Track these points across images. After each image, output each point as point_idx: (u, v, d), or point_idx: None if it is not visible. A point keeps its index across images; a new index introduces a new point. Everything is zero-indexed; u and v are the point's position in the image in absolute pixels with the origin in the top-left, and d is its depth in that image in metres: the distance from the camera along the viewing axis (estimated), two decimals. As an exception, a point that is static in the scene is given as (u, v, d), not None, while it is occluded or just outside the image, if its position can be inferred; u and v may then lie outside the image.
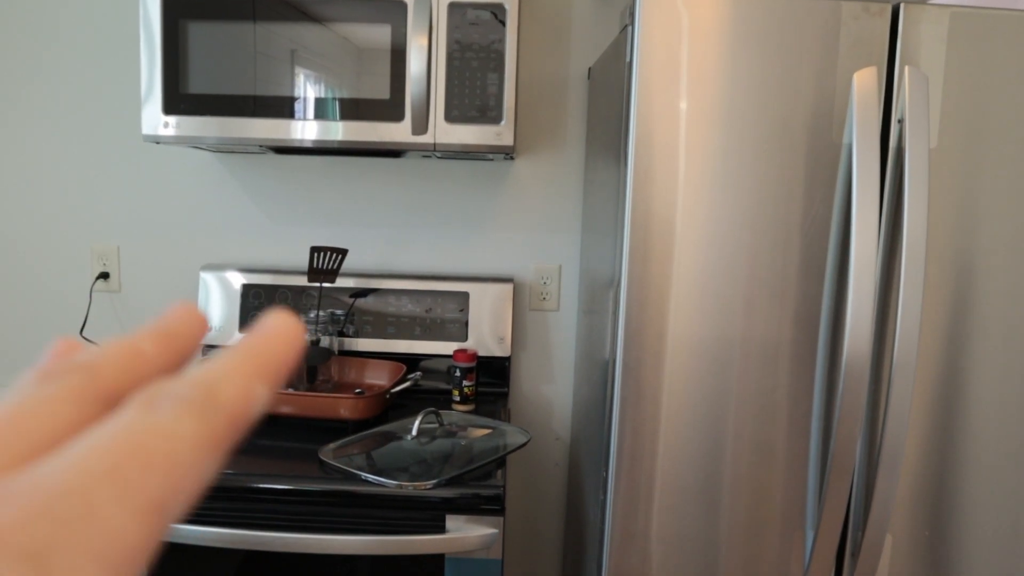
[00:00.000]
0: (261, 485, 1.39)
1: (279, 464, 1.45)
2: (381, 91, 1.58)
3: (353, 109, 1.59)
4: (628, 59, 1.26)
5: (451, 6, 1.56)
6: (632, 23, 1.24)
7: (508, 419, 1.79)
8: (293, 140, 1.60)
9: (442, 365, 1.92)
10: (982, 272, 1.28)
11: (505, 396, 1.94)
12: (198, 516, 1.39)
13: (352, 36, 1.57)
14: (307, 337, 1.72)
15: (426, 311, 1.91)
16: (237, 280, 1.93)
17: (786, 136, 1.25)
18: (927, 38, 1.23)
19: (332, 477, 1.40)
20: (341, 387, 1.83)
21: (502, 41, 1.57)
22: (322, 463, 1.45)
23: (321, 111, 1.59)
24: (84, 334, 2.05)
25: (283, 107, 1.59)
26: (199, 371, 0.22)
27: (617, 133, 1.37)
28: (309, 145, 1.61)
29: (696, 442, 1.31)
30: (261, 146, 1.66)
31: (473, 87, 1.57)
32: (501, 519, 1.39)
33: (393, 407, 1.80)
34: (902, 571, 1.36)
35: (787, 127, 1.25)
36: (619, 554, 1.34)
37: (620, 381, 1.30)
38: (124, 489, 0.18)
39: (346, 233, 2.01)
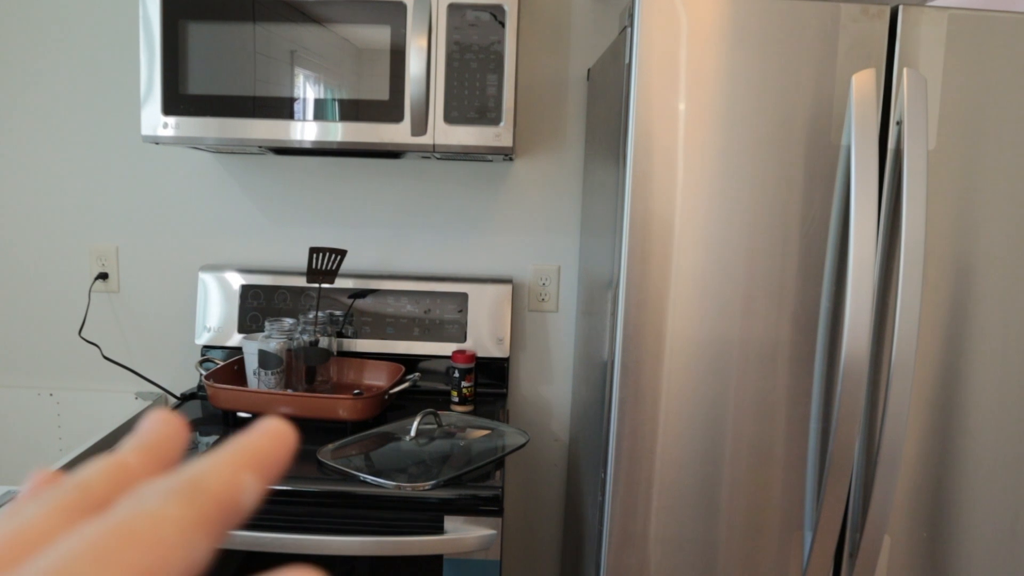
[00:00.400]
0: (260, 486, 1.39)
1: (278, 465, 1.45)
2: (380, 92, 1.58)
3: (352, 110, 1.59)
4: (627, 60, 1.26)
5: (450, 7, 1.56)
6: (631, 24, 1.24)
7: (507, 420, 1.79)
8: (292, 141, 1.60)
9: (441, 366, 1.92)
10: (981, 274, 1.29)
11: (504, 397, 1.94)
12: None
13: (351, 37, 1.57)
14: (306, 338, 1.72)
15: (425, 312, 1.91)
16: (236, 280, 1.93)
17: (785, 137, 1.25)
18: (925, 40, 1.23)
19: (331, 478, 1.40)
20: (340, 388, 1.83)
21: (501, 42, 1.57)
22: (321, 464, 1.45)
23: (320, 112, 1.59)
24: (83, 334, 2.05)
25: (282, 108, 1.59)
26: (188, 466, 0.22)
27: (616, 134, 1.38)
28: (308, 146, 1.61)
29: (695, 443, 1.31)
30: (260, 147, 1.66)
31: (472, 88, 1.58)
32: (499, 520, 1.39)
33: (392, 408, 1.80)
34: (900, 572, 1.36)
35: (786, 128, 1.25)
36: (617, 555, 1.34)
37: (619, 382, 1.30)
38: (112, 568, 0.18)
39: (345, 233, 2.01)
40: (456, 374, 1.82)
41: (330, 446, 1.50)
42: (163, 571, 0.19)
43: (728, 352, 1.30)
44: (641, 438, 1.31)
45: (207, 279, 1.94)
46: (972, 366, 1.31)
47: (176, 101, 1.60)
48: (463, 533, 1.38)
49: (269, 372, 1.70)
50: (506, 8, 1.57)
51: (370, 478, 1.38)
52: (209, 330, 1.93)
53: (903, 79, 1.21)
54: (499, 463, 1.48)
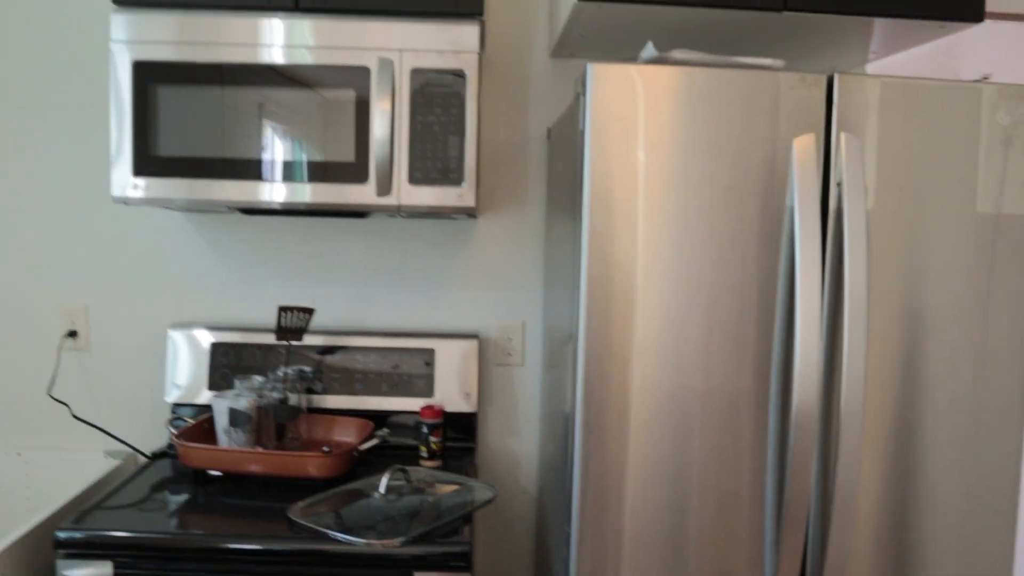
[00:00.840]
0: (230, 545, 1.41)
1: (248, 523, 1.46)
2: (346, 154, 1.63)
3: (320, 171, 1.63)
4: (581, 127, 1.32)
5: (413, 72, 1.62)
6: (584, 92, 1.30)
7: (475, 474, 1.81)
8: (261, 202, 1.64)
9: (410, 421, 1.95)
10: (930, 324, 1.35)
11: (472, 451, 1.97)
12: (166, 579, 1.40)
13: (318, 101, 1.62)
14: (276, 395, 1.75)
15: (393, 367, 1.94)
16: (206, 338, 1.96)
17: (735, 198, 1.31)
18: (860, 106, 1.31)
19: (301, 536, 1.42)
20: (310, 445, 1.85)
21: (463, 105, 1.63)
22: (291, 522, 1.47)
23: (289, 173, 1.63)
24: (52, 393, 2.05)
25: (251, 169, 1.63)
26: None
27: (574, 191, 1.43)
28: (277, 207, 1.65)
29: (661, 494, 1.35)
30: (230, 207, 1.69)
31: (435, 150, 1.63)
32: (469, 575, 1.41)
33: (362, 463, 1.81)
34: (858, 616, 1.39)
35: (735, 189, 1.31)
36: (583, 607, 1.36)
37: (580, 435, 1.33)
38: None
39: (314, 290, 2.04)
40: (424, 429, 1.85)
41: (300, 504, 1.52)
42: None
43: (691, 402, 1.34)
44: (606, 490, 1.34)
45: (177, 337, 1.96)
46: (926, 413, 1.36)
47: (146, 162, 1.64)
48: (432, 589, 1.40)
49: (239, 430, 1.71)
50: (467, 72, 1.63)
51: (340, 536, 1.40)
52: (179, 388, 1.95)
53: (841, 143, 1.28)
54: (468, 518, 1.51)
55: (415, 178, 1.63)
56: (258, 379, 1.78)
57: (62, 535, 1.42)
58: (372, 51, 1.62)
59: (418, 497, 1.56)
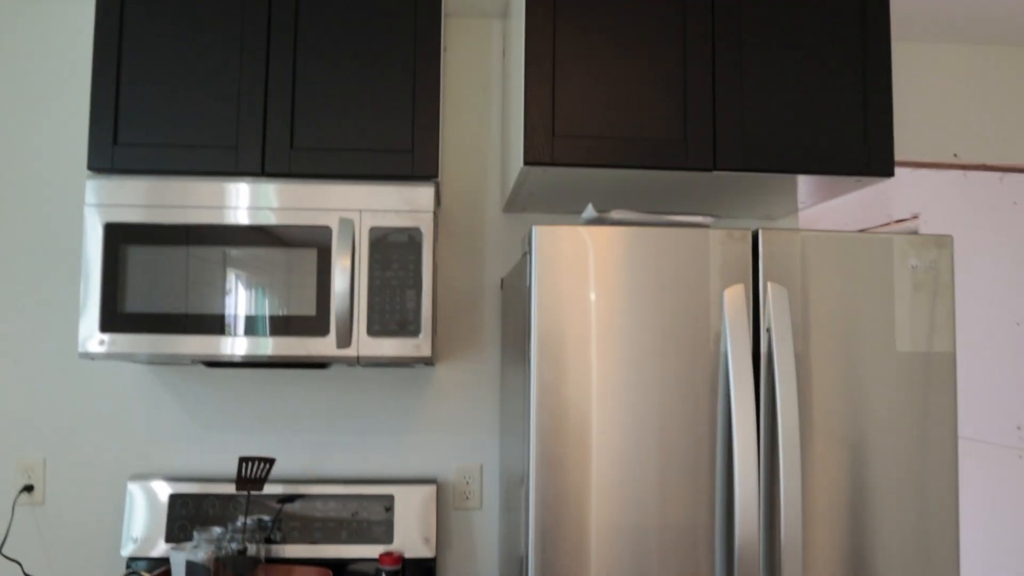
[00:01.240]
0: None
1: None
2: (308, 308, 1.70)
3: (282, 325, 1.70)
4: (527, 283, 1.42)
5: (372, 230, 1.72)
6: (530, 251, 1.41)
7: (435, 621, 1.80)
8: (224, 356, 1.70)
9: (369, 568, 1.95)
10: (871, 457, 1.42)
11: (433, 597, 1.96)
12: None
13: (281, 258, 1.71)
14: (235, 546, 1.75)
15: (352, 514, 1.96)
16: (164, 490, 1.96)
17: (680, 343, 1.40)
18: (785, 257, 1.43)
19: None
20: (268, 597, 1.84)
21: (419, 260, 1.73)
22: None
23: (251, 327, 1.70)
24: (4, 551, 2.02)
25: (215, 324, 1.70)
26: None
27: (525, 341, 1.51)
28: (239, 360, 1.70)
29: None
30: (193, 360, 1.74)
31: (393, 302, 1.71)
32: None
33: (320, 615, 1.80)
34: None
35: (679, 335, 1.40)
36: None
37: (536, 580, 1.36)
38: None
39: (274, 439, 2.07)
40: (384, 576, 1.85)
41: (256, 660, 1.50)
42: None
43: (648, 539, 1.38)
44: (562, 635, 1.36)
45: (134, 489, 1.96)
46: (875, 547, 1.41)
47: (113, 319, 1.69)
48: None
49: (196, 584, 1.70)
50: (423, 230, 1.73)
51: None
52: (135, 540, 1.93)
53: (768, 292, 1.39)
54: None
55: (374, 330, 1.70)
56: (217, 530, 1.78)
57: None
58: (334, 212, 1.72)
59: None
